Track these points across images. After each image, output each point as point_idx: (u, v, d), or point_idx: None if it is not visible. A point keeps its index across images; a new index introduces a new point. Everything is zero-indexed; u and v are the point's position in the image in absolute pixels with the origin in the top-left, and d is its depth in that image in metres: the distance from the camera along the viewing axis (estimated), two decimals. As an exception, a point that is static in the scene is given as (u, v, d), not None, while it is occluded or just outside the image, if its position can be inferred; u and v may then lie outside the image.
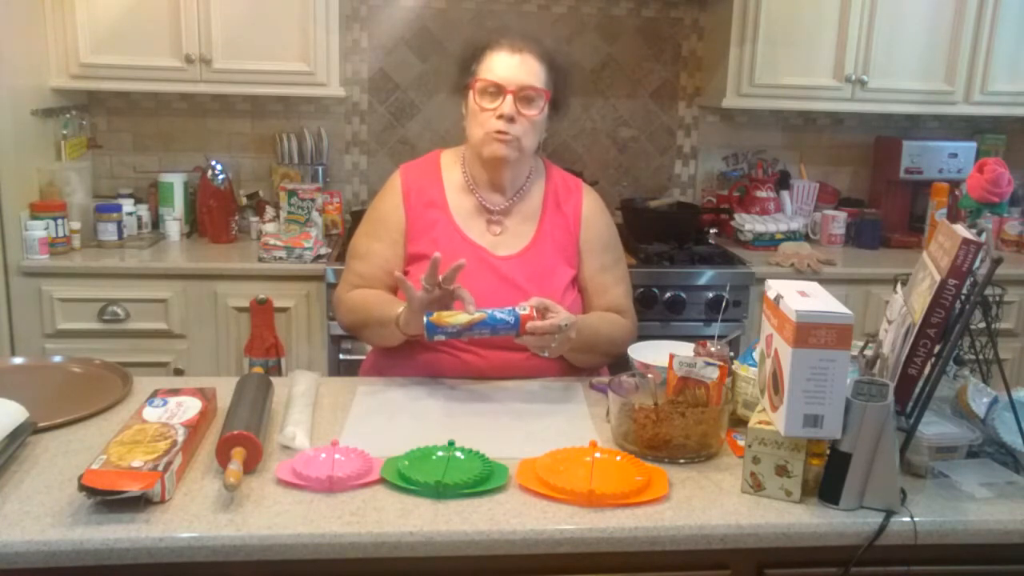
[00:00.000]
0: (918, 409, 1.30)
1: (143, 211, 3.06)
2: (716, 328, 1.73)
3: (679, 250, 2.97)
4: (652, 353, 1.67)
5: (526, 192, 1.84)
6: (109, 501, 1.15)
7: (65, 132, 2.92)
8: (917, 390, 1.30)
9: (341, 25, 2.96)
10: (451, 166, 1.85)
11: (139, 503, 1.16)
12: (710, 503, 1.24)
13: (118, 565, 1.11)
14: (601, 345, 1.77)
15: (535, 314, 1.56)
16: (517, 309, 1.56)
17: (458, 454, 1.32)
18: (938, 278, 1.25)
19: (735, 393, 1.50)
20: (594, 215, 1.87)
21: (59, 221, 2.73)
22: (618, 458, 1.33)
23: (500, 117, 1.70)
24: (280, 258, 2.76)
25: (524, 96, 1.71)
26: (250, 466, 1.26)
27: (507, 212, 1.82)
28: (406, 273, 1.78)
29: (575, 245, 1.84)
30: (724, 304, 2.73)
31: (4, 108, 2.59)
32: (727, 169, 3.50)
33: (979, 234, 1.25)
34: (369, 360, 1.90)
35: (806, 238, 3.24)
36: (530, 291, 1.71)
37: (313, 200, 2.94)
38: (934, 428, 1.36)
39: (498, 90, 1.70)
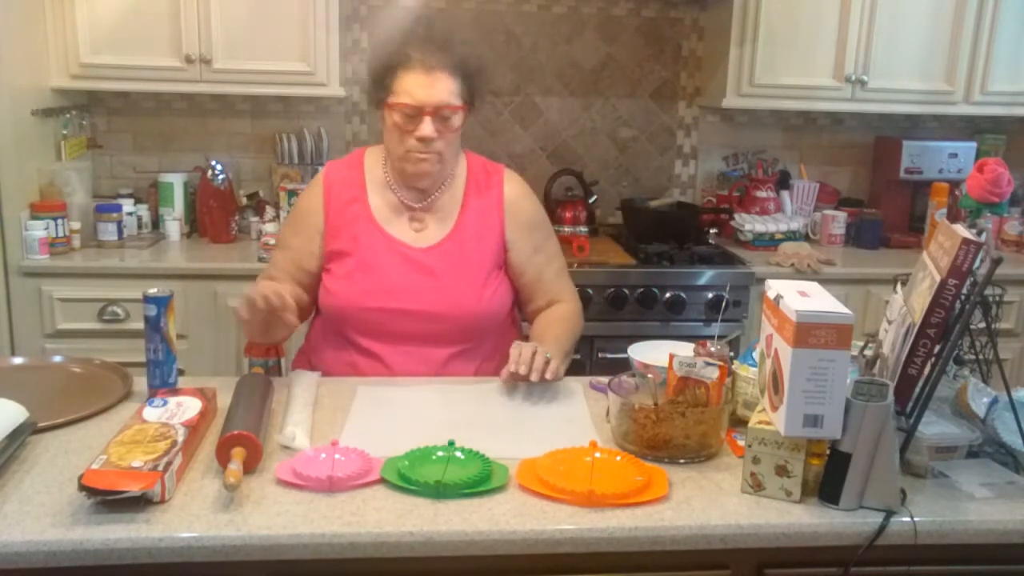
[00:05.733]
0: (918, 409, 1.29)
1: (143, 211, 3.07)
2: (716, 328, 1.73)
3: (679, 250, 2.97)
4: (652, 353, 1.67)
5: (447, 186, 1.86)
6: (109, 501, 1.15)
7: (65, 132, 2.92)
8: (917, 390, 1.30)
9: (341, 25, 2.96)
10: (374, 164, 1.87)
11: (139, 503, 1.16)
12: (710, 503, 1.24)
13: (118, 565, 1.11)
14: (573, 343, 1.86)
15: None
16: None
17: (458, 454, 1.32)
18: (938, 278, 1.25)
19: (735, 393, 1.50)
20: (518, 198, 1.89)
21: (59, 221, 2.73)
22: (618, 458, 1.33)
23: (420, 139, 1.72)
24: (280, 258, 2.76)
25: (441, 115, 1.73)
26: (250, 466, 1.26)
27: (428, 208, 1.84)
28: (327, 270, 1.82)
29: (500, 231, 1.85)
30: (724, 304, 2.73)
31: (4, 108, 2.59)
32: (727, 169, 3.50)
33: (979, 234, 1.25)
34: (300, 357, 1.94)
35: (806, 238, 3.25)
36: (450, 280, 1.77)
37: (313, 200, 2.94)
38: (934, 428, 1.36)
39: (416, 112, 1.71)
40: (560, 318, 1.87)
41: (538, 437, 1.43)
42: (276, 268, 1.86)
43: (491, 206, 1.86)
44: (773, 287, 1.28)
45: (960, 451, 1.37)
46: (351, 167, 1.88)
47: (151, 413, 1.36)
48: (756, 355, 1.40)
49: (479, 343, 1.81)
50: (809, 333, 1.17)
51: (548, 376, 1.60)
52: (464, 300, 1.78)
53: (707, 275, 2.85)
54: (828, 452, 1.23)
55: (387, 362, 1.77)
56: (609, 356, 2.79)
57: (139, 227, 3.04)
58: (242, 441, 1.26)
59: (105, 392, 1.56)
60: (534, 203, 1.93)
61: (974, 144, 3.36)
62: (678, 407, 1.38)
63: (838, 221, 3.28)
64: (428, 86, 1.71)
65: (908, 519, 1.21)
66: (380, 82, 1.77)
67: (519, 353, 1.61)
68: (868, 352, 1.40)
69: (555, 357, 1.64)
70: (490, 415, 1.54)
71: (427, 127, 1.71)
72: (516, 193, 1.89)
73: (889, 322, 1.41)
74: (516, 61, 3.31)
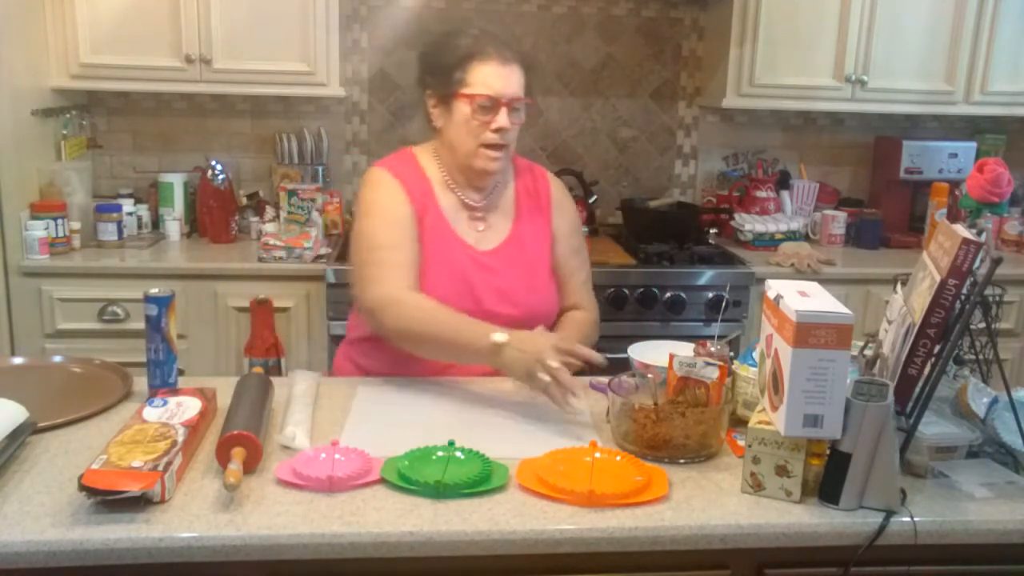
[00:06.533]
0: (918, 409, 1.29)
1: (143, 211, 3.07)
2: (716, 328, 1.73)
3: (679, 250, 2.97)
4: (652, 353, 1.67)
5: (502, 185, 1.85)
6: (109, 501, 1.15)
7: (65, 132, 2.92)
8: (917, 390, 1.30)
9: (341, 25, 2.96)
10: (429, 164, 1.82)
11: (139, 503, 1.16)
12: (710, 503, 1.24)
13: (118, 565, 1.11)
14: None
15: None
16: None
17: (458, 454, 1.32)
18: (938, 278, 1.25)
19: (735, 393, 1.50)
20: (562, 200, 1.91)
21: (59, 221, 2.73)
22: (618, 458, 1.33)
23: (497, 130, 1.70)
24: (280, 258, 2.76)
25: (514, 107, 1.72)
26: (250, 466, 1.26)
27: (487, 208, 1.83)
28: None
29: (550, 231, 1.86)
30: (724, 304, 2.73)
31: (4, 108, 2.59)
32: (727, 169, 3.50)
33: (979, 234, 1.25)
34: (341, 357, 1.90)
35: (806, 238, 3.25)
36: (518, 283, 1.76)
37: (313, 200, 2.94)
38: (934, 428, 1.36)
39: (492, 103, 1.70)
40: (577, 322, 1.86)
41: (538, 437, 1.43)
42: (400, 268, 1.68)
43: (541, 206, 1.86)
44: (773, 287, 1.28)
45: (960, 451, 1.37)
46: (408, 166, 1.81)
47: (151, 413, 1.36)
48: (756, 355, 1.40)
49: None
50: (809, 333, 1.17)
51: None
52: (533, 301, 1.78)
53: (707, 275, 2.85)
54: (828, 452, 1.23)
55: (449, 362, 1.71)
56: (609, 356, 2.77)
57: (139, 227, 3.03)
58: (242, 441, 1.26)
59: (105, 392, 1.56)
60: (575, 206, 1.95)
61: (974, 144, 3.36)
62: (678, 407, 1.38)
63: (838, 221, 3.28)
64: (505, 77, 1.70)
65: (908, 519, 1.21)
66: (449, 75, 1.71)
67: None
68: (868, 352, 1.40)
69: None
70: (490, 415, 1.54)
71: (504, 118, 1.69)
72: (561, 194, 1.91)
73: (889, 322, 1.41)
74: (516, 61, 3.31)
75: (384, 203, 1.75)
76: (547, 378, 1.45)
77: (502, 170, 1.80)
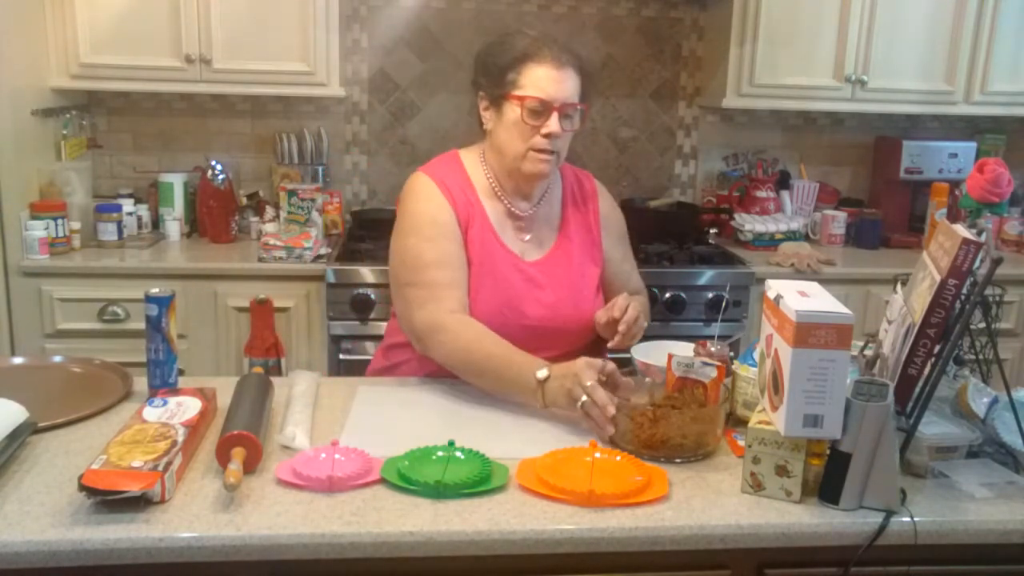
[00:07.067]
0: (918, 409, 1.30)
1: (143, 211, 3.07)
2: (716, 328, 1.73)
3: (679, 250, 2.97)
4: (654, 353, 1.67)
5: (549, 194, 1.82)
6: (109, 501, 1.15)
7: (65, 132, 2.92)
8: (917, 390, 1.30)
9: (341, 25, 2.96)
10: (474, 169, 1.77)
11: (139, 503, 1.16)
12: (710, 503, 1.24)
13: (118, 565, 1.11)
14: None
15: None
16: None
17: (458, 454, 1.32)
18: (938, 278, 1.25)
19: (735, 393, 1.50)
20: (609, 209, 1.90)
21: (59, 221, 2.73)
22: (618, 458, 1.33)
23: (547, 136, 1.66)
24: (280, 258, 2.76)
25: (567, 113, 1.67)
26: (250, 466, 1.26)
27: (533, 217, 1.79)
28: None
29: (599, 244, 1.84)
30: (724, 304, 2.73)
31: (4, 108, 2.59)
32: (727, 169, 3.50)
33: (979, 234, 1.25)
34: (378, 361, 1.89)
35: (806, 238, 3.25)
36: (565, 295, 1.74)
37: (313, 200, 2.95)
38: (934, 428, 1.36)
39: (544, 107, 1.64)
40: (643, 302, 1.87)
41: (538, 437, 1.43)
42: (445, 288, 1.64)
43: (589, 219, 1.84)
44: (773, 287, 1.28)
45: (960, 451, 1.37)
46: (454, 171, 1.75)
47: (151, 413, 1.36)
48: (756, 355, 1.40)
49: (580, 350, 1.74)
50: (809, 333, 1.17)
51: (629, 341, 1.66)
52: (577, 317, 1.75)
53: (707, 275, 2.85)
54: (828, 452, 1.23)
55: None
56: (610, 356, 2.77)
57: (139, 227, 3.03)
58: (242, 441, 1.26)
59: (105, 392, 1.56)
60: (620, 211, 1.94)
61: (974, 144, 3.36)
62: (675, 406, 1.38)
63: (838, 221, 3.28)
64: (559, 81, 1.64)
65: (908, 519, 1.21)
66: (502, 76, 1.67)
67: (625, 307, 1.65)
68: (868, 352, 1.40)
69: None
70: (490, 415, 1.54)
71: (555, 123, 1.64)
72: (609, 204, 1.90)
73: (889, 322, 1.41)
74: (516, 61, 3.31)
75: (427, 215, 1.70)
76: (584, 396, 1.42)
77: (550, 176, 1.76)
